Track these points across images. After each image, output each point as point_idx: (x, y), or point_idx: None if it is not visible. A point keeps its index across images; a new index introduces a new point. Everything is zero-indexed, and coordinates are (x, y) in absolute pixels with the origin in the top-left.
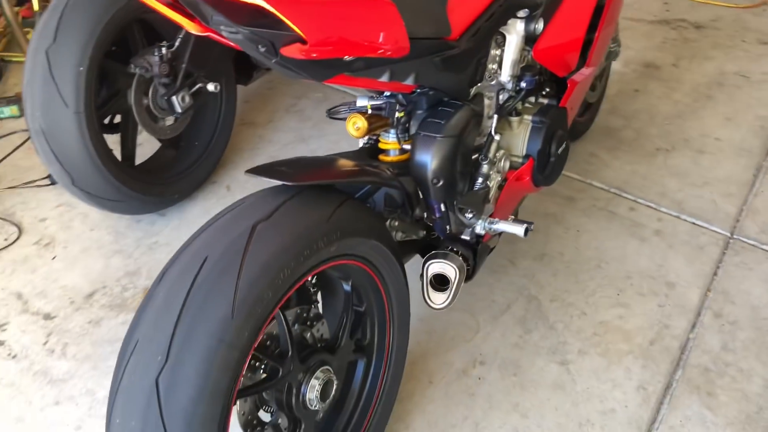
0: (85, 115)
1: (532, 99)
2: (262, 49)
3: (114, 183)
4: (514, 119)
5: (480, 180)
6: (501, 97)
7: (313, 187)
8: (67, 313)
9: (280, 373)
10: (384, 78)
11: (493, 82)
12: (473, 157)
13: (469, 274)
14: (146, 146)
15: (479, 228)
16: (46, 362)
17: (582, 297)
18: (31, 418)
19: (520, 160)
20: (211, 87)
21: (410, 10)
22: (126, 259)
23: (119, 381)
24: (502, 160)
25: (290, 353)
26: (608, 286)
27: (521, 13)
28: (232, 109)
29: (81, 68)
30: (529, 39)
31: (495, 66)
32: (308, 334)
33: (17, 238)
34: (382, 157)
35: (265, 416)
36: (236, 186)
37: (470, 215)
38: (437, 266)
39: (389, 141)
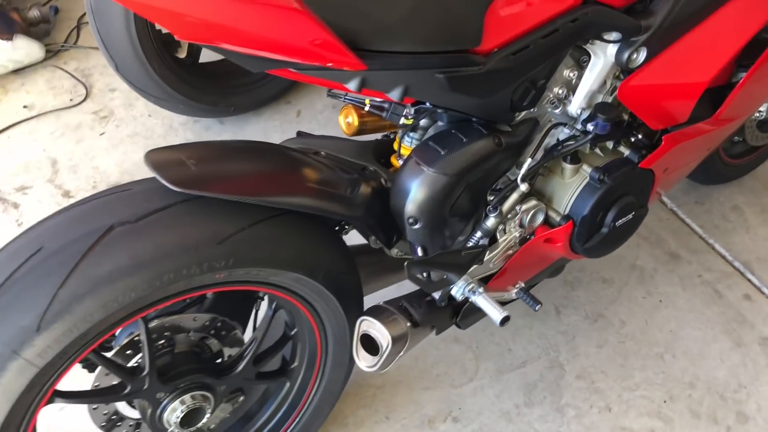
0: None
1: (610, 144)
2: None
3: (155, 79)
4: (569, 166)
5: (478, 234)
6: (557, 133)
7: None
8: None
9: (128, 389)
10: (351, 85)
11: (554, 111)
12: (487, 199)
13: (418, 338)
14: None
15: (456, 292)
16: None
17: (617, 387)
18: None
19: (558, 219)
20: None
21: (391, 16)
22: None
23: None
24: (533, 212)
25: (146, 371)
26: (659, 385)
27: (610, 36)
28: None
29: None
30: (622, 71)
31: (562, 92)
32: (210, 349)
33: (81, 102)
34: (394, 159)
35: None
36: (308, 112)
37: (446, 275)
38: (368, 327)
39: (404, 145)
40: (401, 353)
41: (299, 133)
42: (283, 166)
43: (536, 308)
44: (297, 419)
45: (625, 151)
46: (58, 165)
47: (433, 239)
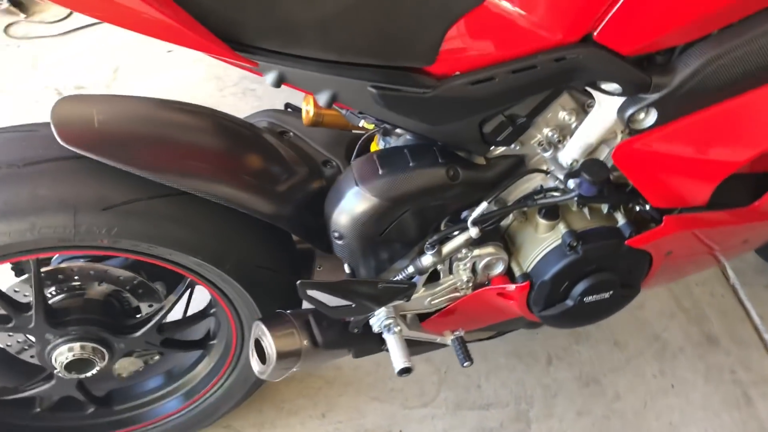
0: None
1: (604, 207)
2: None
3: None
4: (543, 221)
5: (410, 270)
6: (535, 182)
7: None
8: None
9: (12, 323)
10: (267, 78)
11: (544, 155)
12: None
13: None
14: None
15: (373, 323)
16: None
17: None
18: None
19: (518, 275)
20: None
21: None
22: (216, 90)
23: None
24: (488, 260)
25: (32, 311)
26: None
27: (608, 87)
28: None
29: None
30: (630, 130)
31: (554, 135)
32: (127, 304)
33: None
34: None
35: None
36: None
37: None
38: (260, 334)
39: (378, 147)
40: (294, 368)
41: (287, 105)
42: (208, 143)
43: (464, 364)
44: (207, 395)
45: (620, 220)
46: (118, 73)
47: (358, 260)
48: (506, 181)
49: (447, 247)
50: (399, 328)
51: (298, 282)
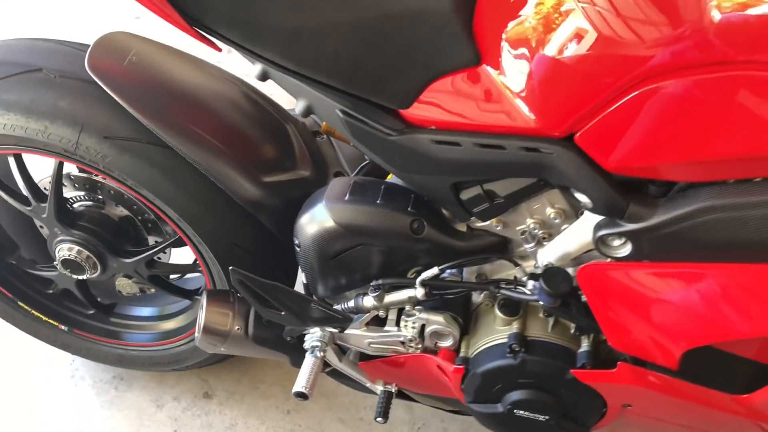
0: None
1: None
2: None
3: None
4: (498, 313)
5: (350, 304)
6: (512, 270)
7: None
8: None
9: (30, 206)
10: (254, 71)
11: (518, 241)
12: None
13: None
14: None
15: (306, 339)
16: None
17: None
18: None
19: (460, 357)
20: None
21: None
22: None
23: None
24: (435, 329)
25: (47, 202)
26: None
27: (580, 197)
28: None
29: None
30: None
31: (536, 230)
32: (135, 230)
33: None
34: None
35: None
36: None
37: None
38: (203, 302)
39: None
40: (221, 348)
41: None
42: (216, 110)
43: (377, 419)
44: (177, 343)
45: (583, 346)
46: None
47: (312, 274)
48: (471, 257)
49: (390, 297)
50: (322, 354)
51: (231, 267)
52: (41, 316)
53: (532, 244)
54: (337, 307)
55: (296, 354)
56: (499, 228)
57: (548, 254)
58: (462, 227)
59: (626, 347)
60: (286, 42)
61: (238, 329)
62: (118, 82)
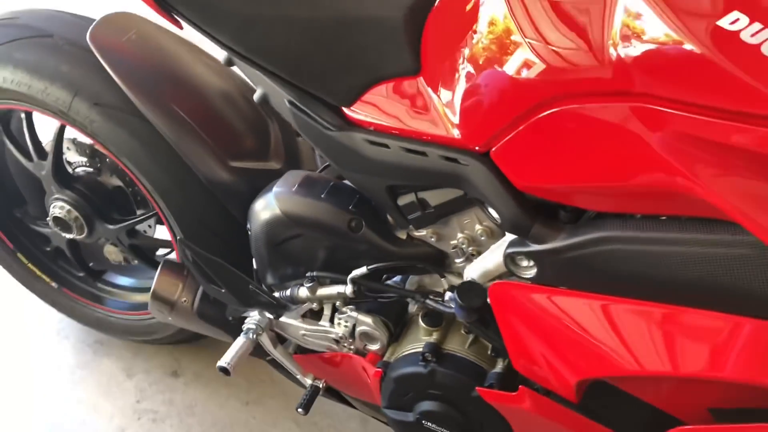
0: None
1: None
2: None
3: None
4: (421, 323)
5: (287, 293)
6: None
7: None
8: None
9: (32, 161)
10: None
11: (452, 255)
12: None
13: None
14: None
15: (246, 321)
16: None
17: None
18: None
19: (382, 360)
20: None
21: None
22: None
23: None
24: (364, 331)
25: (46, 161)
26: None
27: (492, 212)
28: None
29: None
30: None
31: (463, 243)
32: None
33: None
34: None
35: None
36: None
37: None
38: (158, 270)
39: None
40: (168, 318)
41: None
42: (199, 92)
43: (298, 409)
44: (147, 316)
45: (498, 367)
46: None
47: (260, 258)
48: (399, 262)
49: (323, 290)
50: (255, 337)
51: (179, 238)
52: (36, 270)
53: (461, 259)
54: (276, 294)
55: (237, 335)
56: (433, 239)
57: (473, 271)
58: (402, 235)
59: (527, 371)
60: (239, 27)
61: (184, 301)
62: (112, 55)
